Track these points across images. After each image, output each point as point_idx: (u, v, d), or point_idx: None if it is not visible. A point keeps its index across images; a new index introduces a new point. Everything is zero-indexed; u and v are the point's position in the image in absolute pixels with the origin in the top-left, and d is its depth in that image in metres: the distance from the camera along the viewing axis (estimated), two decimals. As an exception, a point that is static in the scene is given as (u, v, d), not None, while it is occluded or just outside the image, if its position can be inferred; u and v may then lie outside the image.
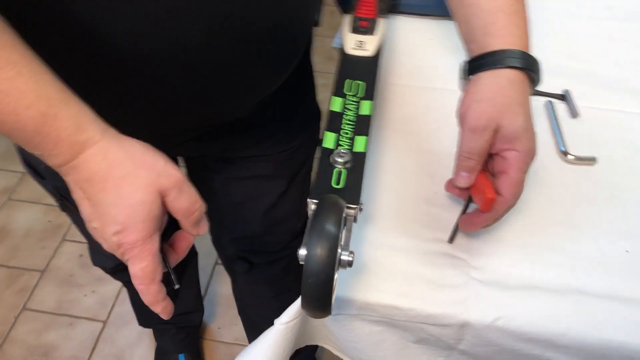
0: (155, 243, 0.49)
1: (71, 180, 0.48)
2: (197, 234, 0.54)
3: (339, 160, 0.56)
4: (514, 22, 0.60)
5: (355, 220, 0.54)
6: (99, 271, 1.10)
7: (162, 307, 0.52)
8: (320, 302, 0.48)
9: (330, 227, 0.47)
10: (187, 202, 0.50)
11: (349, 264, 0.50)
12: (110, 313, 1.55)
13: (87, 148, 0.46)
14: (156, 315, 0.53)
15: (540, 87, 0.80)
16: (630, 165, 0.72)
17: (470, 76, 0.61)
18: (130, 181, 0.47)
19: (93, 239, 0.51)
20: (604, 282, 0.60)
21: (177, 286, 0.54)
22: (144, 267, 0.49)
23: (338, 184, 0.55)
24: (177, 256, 0.55)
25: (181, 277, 1.28)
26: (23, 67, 0.44)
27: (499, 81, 0.58)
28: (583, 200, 0.68)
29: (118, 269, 1.06)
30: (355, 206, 0.53)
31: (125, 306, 1.50)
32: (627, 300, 0.58)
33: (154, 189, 0.48)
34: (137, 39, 0.54)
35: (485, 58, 0.59)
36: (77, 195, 0.49)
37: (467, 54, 0.64)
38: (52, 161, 0.47)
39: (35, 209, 1.79)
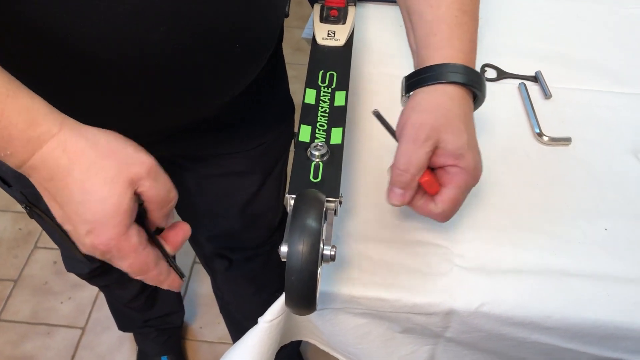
0: (132, 237, 0.45)
1: (35, 181, 0.45)
2: (166, 225, 0.50)
3: (316, 153, 0.55)
4: (456, 34, 0.57)
5: (335, 213, 0.53)
6: (74, 277, 1.08)
7: (169, 285, 0.50)
8: (305, 299, 0.48)
9: (311, 222, 0.46)
10: (164, 189, 0.46)
11: (332, 258, 0.49)
12: (88, 319, 1.52)
13: (43, 143, 0.42)
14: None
15: (513, 69, 0.81)
16: (603, 143, 0.72)
17: (408, 94, 0.58)
18: (95, 173, 0.43)
19: (65, 245, 0.49)
20: (585, 261, 0.60)
21: (184, 277, 0.51)
22: (130, 265, 0.46)
23: (316, 177, 0.54)
24: (172, 251, 0.51)
25: None
26: None
27: (438, 96, 0.55)
28: (560, 181, 0.68)
29: (93, 275, 1.03)
30: (335, 199, 0.52)
31: (104, 311, 1.48)
32: (609, 278, 0.59)
33: (123, 179, 0.44)
34: (100, 43, 0.51)
35: (422, 74, 0.56)
36: (46, 197, 0.45)
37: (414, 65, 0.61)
38: (10, 161, 0.43)
39: (4, 217, 1.74)
